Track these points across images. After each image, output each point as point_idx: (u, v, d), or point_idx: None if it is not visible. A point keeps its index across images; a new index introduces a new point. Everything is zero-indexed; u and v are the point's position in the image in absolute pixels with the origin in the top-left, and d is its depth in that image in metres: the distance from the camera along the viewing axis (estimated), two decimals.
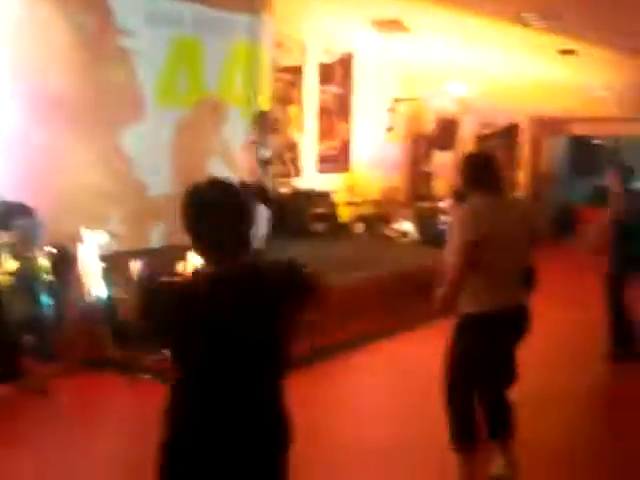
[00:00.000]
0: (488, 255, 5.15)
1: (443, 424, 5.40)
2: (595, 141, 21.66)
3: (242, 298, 3.07)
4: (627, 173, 9.04)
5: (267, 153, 10.96)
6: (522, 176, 20.79)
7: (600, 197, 11.61)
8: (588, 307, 9.78)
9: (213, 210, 3.16)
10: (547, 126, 20.66)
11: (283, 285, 3.19)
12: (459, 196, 6.16)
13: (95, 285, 7.93)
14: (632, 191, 8.95)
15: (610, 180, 9.04)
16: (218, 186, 3.30)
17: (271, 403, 3.19)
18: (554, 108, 18.37)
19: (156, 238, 10.81)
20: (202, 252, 3.16)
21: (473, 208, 5.34)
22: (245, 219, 3.21)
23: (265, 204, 10.81)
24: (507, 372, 5.52)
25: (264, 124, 11.07)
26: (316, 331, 8.03)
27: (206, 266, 3.16)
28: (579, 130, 20.74)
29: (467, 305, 5.27)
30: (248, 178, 10.30)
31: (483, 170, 5.41)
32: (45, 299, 7.74)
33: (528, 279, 5.62)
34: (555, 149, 21.55)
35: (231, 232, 3.14)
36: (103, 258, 8.18)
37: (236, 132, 11.78)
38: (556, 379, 7.89)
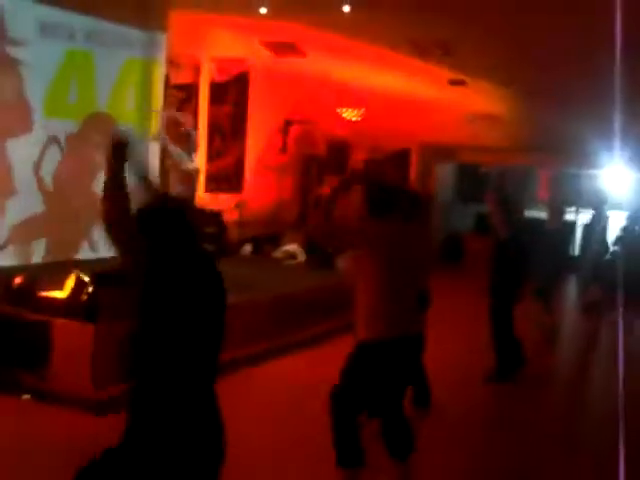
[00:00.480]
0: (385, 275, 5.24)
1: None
2: (482, 169, 22.09)
3: None
4: (506, 199, 9.21)
5: None
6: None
7: (484, 225, 11.94)
8: (475, 331, 9.96)
9: None
10: (436, 153, 20.98)
11: None
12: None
13: None
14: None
15: (490, 206, 9.19)
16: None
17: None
18: (443, 135, 18.68)
19: (38, 254, 10.56)
20: None
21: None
22: None
23: None
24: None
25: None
26: None
27: None
28: (467, 158, 21.13)
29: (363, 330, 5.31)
30: None
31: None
32: None
33: (422, 301, 5.72)
34: (443, 176, 21.90)
35: None
36: None
37: None
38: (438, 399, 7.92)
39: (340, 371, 5.40)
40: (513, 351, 9.18)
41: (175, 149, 11.56)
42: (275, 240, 14.64)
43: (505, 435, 7.46)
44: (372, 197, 5.54)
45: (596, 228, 12.68)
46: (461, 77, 14.12)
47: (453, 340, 10.67)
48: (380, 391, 5.38)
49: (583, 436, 7.54)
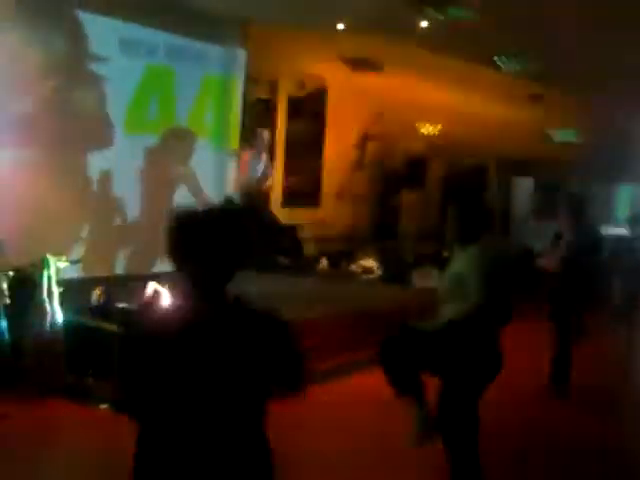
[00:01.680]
0: None
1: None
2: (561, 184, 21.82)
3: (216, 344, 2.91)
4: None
5: None
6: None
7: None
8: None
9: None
10: (514, 168, 20.77)
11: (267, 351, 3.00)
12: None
13: (56, 311, 7.87)
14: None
15: (562, 222, 9.14)
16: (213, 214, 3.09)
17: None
18: (521, 150, 18.50)
19: (120, 265, 10.75)
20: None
21: None
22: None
23: None
24: None
25: None
26: None
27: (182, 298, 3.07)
28: (545, 173, 20.87)
29: None
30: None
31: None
32: (1, 322, 7.64)
33: None
34: (520, 192, 21.67)
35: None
36: (65, 283, 8.12)
37: (204, 163, 11.78)
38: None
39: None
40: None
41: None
42: (351, 255, 14.64)
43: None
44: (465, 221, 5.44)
45: None
46: (540, 91, 14.00)
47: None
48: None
49: None
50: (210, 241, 2.97)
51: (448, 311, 5.23)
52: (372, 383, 8.86)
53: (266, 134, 14.02)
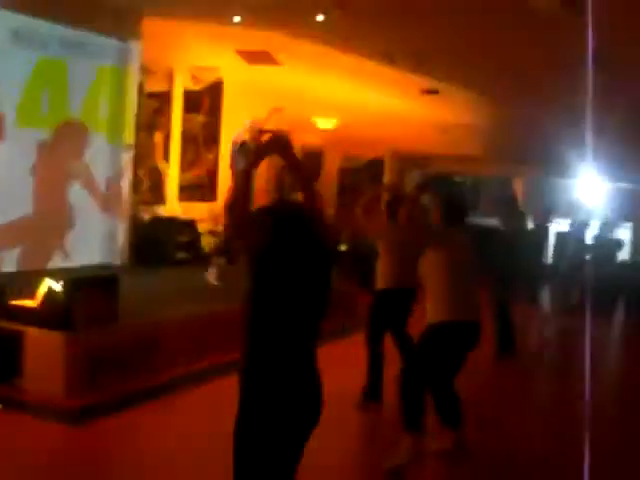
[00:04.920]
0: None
1: None
2: (456, 179, 22.20)
3: None
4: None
5: None
6: None
7: None
8: None
9: None
10: (409, 162, 21.03)
11: None
12: None
13: None
14: None
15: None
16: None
17: None
18: (417, 144, 18.74)
19: (10, 262, 10.49)
20: None
21: None
22: None
23: None
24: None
25: None
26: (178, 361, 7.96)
27: None
28: (441, 167, 21.20)
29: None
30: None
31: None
32: None
33: None
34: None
35: None
36: None
37: (99, 157, 11.59)
38: None
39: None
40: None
41: None
42: None
43: None
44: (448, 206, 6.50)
45: (572, 236, 12.82)
46: (435, 86, 14.17)
47: None
48: (443, 366, 6.38)
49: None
50: None
51: None
52: None
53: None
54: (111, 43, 11.68)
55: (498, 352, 10.53)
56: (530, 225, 12.06)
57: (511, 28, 10.22)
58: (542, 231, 12.38)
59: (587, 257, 14.09)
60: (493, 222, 11.87)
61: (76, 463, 5.99)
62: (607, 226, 16.99)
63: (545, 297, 15.22)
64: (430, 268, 6.38)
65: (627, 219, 19.01)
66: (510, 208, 11.14)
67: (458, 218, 6.51)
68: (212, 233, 14.59)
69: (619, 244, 16.92)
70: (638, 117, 12.86)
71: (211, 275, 11.48)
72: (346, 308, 11.59)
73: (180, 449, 6.17)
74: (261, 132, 16.51)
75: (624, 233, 18.45)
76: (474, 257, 6.53)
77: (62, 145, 11.19)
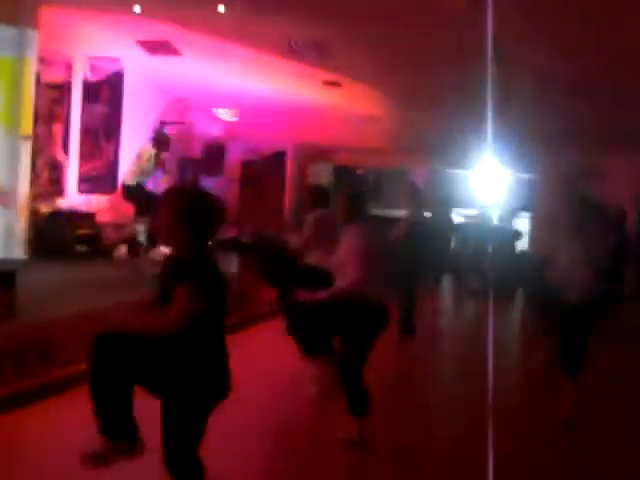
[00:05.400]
0: None
1: None
2: (358, 171, 22.36)
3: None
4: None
5: None
6: (287, 202, 21.13)
7: None
8: None
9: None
10: (312, 154, 21.10)
11: None
12: None
13: None
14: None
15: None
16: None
17: None
18: (319, 136, 18.81)
19: None
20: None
21: None
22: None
23: None
24: None
25: None
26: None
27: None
28: (343, 159, 21.32)
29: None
30: None
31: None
32: None
33: None
34: (319, 177, 22.02)
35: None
36: None
37: None
38: None
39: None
40: None
41: None
42: (152, 242, 14.44)
43: None
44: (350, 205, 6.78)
45: (472, 226, 13.09)
46: (336, 79, 14.24)
47: None
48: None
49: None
50: None
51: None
52: None
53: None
54: (6, 32, 11.39)
55: (400, 334, 11.03)
56: (431, 214, 12.28)
57: (415, 21, 10.36)
58: (444, 220, 12.60)
59: (488, 247, 14.37)
60: (399, 213, 12.20)
61: None
62: (506, 216, 17.33)
63: (447, 284, 15.52)
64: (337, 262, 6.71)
65: (526, 209, 19.37)
66: (415, 199, 11.44)
67: (359, 213, 6.82)
68: (114, 226, 14.41)
69: (518, 234, 17.26)
70: (535, 108, 13.14)
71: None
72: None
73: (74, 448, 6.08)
74: (162, 123, 16.43)
75: (523, 223, 18.83)
76: (378, 246, 6.84)
77: None
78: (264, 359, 9.33)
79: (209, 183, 17.77)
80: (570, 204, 8.04)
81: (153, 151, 15.86)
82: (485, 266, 11.47)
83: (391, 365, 9.73)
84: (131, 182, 15.15)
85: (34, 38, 11.70)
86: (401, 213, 11.78)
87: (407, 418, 7.69)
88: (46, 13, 11.46)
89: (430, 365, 10.46)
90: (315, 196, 9.20)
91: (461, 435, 7.14)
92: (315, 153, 21.05)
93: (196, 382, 4.04)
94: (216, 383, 4.14)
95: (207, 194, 4.27)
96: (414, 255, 11.01)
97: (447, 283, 15.52)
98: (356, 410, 6.53)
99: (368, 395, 6.56)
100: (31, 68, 11.79)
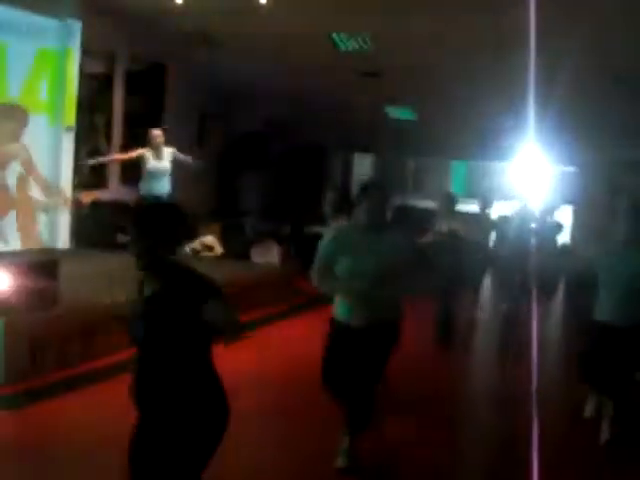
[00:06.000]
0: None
1: None
2: (400, 162, 22.28)
3: None
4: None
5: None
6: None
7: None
8: None
9: None
10: (353, 146, 21.00)
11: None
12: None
13: None
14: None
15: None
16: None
17: None
18: (360, 128, 18.74)
19: None
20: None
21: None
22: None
23: None
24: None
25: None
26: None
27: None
28: (384, 151, 21.24)
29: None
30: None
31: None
32: None
33: None
34: (362, 169, 21.97)
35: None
36: None
37: (38, 140, 11.44)
38: None
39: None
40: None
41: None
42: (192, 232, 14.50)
43: None
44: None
45: (513, 221, 12.93)
46: (376, 69, 14.20)
47: None
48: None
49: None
50: None
51: None
52: None
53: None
54: (52, 24, 11.51)
55: (437, 340, 10.65)
56: (473, 210, 12.16)
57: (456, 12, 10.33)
58: (484, 217, 12.41)
59: (531, 240, 14.23)
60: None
61: (16, 447, 5.94)
62: (547, 209, 17.19)
63: (487, 282, 15.28)
64: None
65: (568, 202, 19.20)
66: (449, 211, 11.20)
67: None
68: None
69: (559, 227, 17.10)
70: (578, 100, 13.01)
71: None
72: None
73: (118, 434, 6.14)
74: (203, 115, 16.45)
75: (565, 217, 18.66)
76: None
77: (1, 127, 11.04)
78: None
79: (252, 175, 17.82)
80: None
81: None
82: (525, 263, 11.21)
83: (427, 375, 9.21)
84: None
85: (78, 29, 11.82)
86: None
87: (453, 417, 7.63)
88: (89, 4, 11.55)
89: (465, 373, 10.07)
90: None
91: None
92: (356, 145, 20.97)
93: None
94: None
95: None
96: (448, 264, 10.23)
97: (487, 286, 15.22)
98: (357, 427, 5.98)
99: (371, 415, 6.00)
100: (74, 59, 11.92)
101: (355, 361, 5.73)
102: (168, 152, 11.44)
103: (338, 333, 5.82)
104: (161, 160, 11.35)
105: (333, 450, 5.93)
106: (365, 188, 5.82)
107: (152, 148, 11.28)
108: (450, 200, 11.28)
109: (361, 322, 5.67)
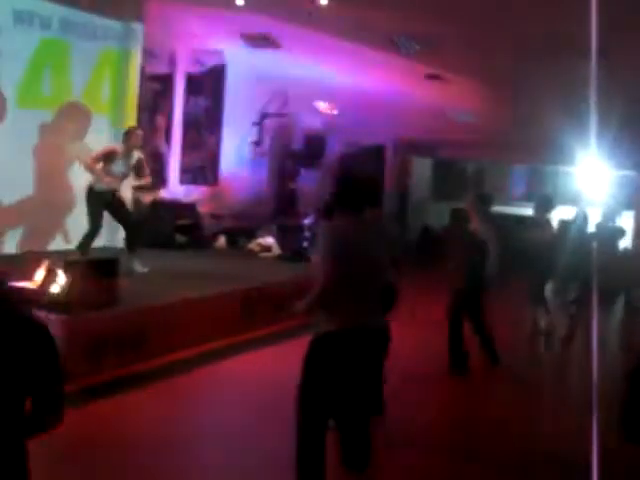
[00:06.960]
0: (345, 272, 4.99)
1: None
2: (459, 165, 22.16)
3: None
4: (485, 199, 9.50)
5: (121, 168, 10.10)
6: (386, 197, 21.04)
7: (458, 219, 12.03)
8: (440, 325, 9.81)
9: None
10: (412, 148, 20.96)
11: None
12: (326, 213, 6.18)
13: None
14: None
15: (469, 204, 9.37)
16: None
17: None
18: (420, 130, 18.67)
19: (11, 244, 10.48)
20: None
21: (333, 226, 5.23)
22: None
23: None
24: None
25: (129, 138, 10.12)
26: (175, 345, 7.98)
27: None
28: (444, 154, 21.13)
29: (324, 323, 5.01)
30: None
31: (349, 190, 5.38)
32: None
33: (387, 298, 5.64)
34: (420, 172, 21.90)
35: None
36: None
37: (100, 139, 11.56)
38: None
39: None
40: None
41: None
42: (250, 233, 14.58)
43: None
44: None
45: (574, 225, 12.71)
46: (438, 72, 14.12)
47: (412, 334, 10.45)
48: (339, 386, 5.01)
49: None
50: None
51: None
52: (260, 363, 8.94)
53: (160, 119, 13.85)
54: (114, 25, 11.64)
55: (491, 361, 9.48)
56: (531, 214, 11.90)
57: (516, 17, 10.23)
58: (545, 223, 12.07)
59: (592, 245, 14.02)
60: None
61: (76, 445, 5.99)
62: (609, 214, 16.95)
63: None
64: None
65: (629, 207, 18.95)
66: (547, 207, 11.26)
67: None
68: (213, 216, 14.59)
69: (621, 232, 16.89)
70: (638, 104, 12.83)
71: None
72: None
73: (178, 433, 6.18)
74: (263, 115, 16.55)
75: (626, 221, 18.41)
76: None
77: (64, 126, 11.18)
78: None
79: (308, 175, 17.86)
80: None
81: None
82: (586, 270, 10.88)
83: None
84: None
85: (139, 31, 11.95)
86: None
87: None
88: (151, 7, 11.65)
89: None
90: None
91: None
92: (415, 148, 20.91)
93: None
94: None
95: None
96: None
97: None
98: (357, 463, 5.26)
99: (369, 448, 5.35)
100: (136, 60, 12.05)
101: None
102: (136, 157, 10.07)
103: None
104: (128, 162, 10.18)
105: None
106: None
107: (127, 148, 10.18)
108: (548, 202, 11.34)
109: None
